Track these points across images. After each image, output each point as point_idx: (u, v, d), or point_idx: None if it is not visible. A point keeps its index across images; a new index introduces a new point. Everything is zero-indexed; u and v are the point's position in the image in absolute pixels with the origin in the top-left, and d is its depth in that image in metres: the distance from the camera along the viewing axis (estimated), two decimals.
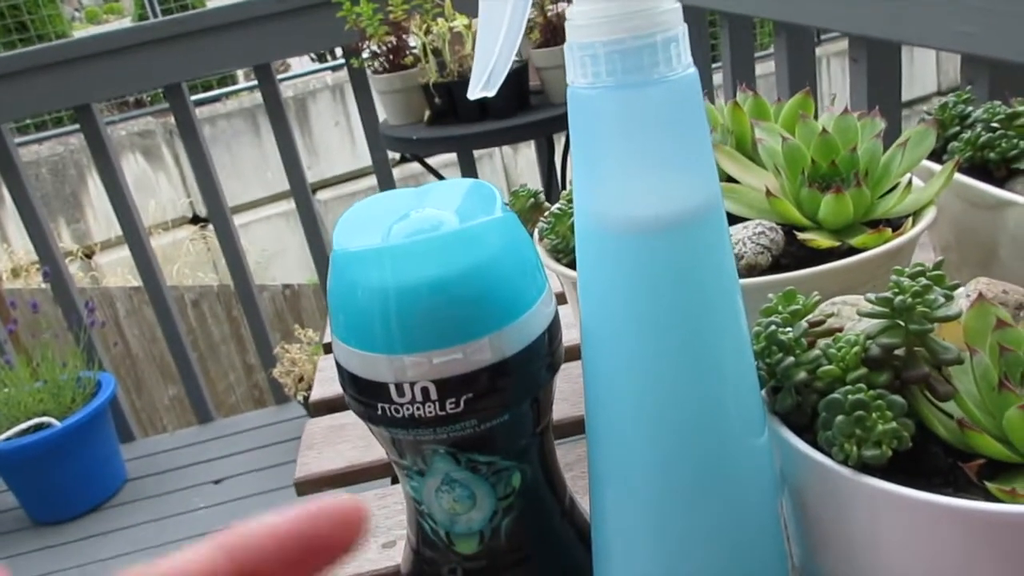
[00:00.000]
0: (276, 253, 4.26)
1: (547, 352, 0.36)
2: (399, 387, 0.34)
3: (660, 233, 0.30)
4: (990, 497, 0.31)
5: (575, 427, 0.56)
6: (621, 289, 0.31)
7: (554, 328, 0.37)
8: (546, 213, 0.54)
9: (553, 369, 0.37)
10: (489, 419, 0.35)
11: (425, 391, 0.33)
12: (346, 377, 0.36)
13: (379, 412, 0.35)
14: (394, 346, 0.33)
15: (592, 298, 0.32)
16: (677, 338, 0.31)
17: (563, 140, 2.00)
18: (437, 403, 0.33)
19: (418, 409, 0.34)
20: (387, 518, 0.49)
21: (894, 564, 0.33)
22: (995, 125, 0.55)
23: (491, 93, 0.36)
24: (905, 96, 1.38)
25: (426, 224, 0.35)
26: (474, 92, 0.35)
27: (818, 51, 4.40)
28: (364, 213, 0.37)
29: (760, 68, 1.80)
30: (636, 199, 0.30)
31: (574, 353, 0.65)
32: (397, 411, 0.34)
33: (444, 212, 0.36)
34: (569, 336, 0.66)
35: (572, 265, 0.53)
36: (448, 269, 0.33)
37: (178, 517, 1.83)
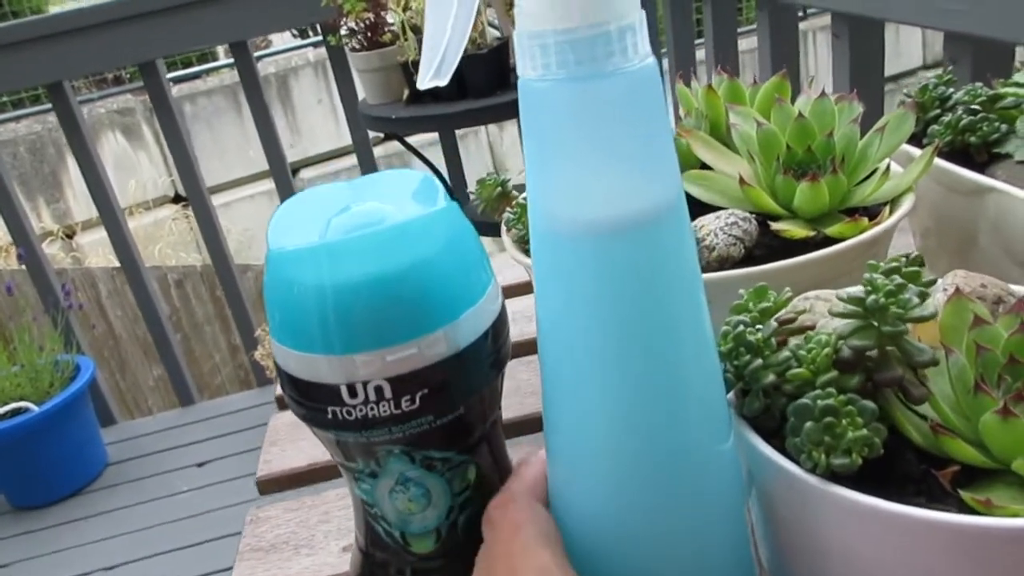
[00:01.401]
0: (259, 233, 4.21)
1: (503, 340, 0.36)
2: (351, 388, 0.32)
3: (618, 235, 0.28)
4: (964, 507, 0.30)
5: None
6: (577, 294, 0.29)
7: (503, 315, 0.36)
8: (513, 203, 0.52)
9: (504, 359, 0.36)
10: (445, 414, 0.34)
11: (379, 390, 0.32)
12: (288, 381, 0.34)
13: (328, 416, 0.33)
14: (344, 345, 0.31)
15: (548, 301, 0.31)
16: (637, 345, 0.29)
17: None
18: (392, 401, 0.32)
19: (371, 409, 0.32)
20: (348, 519, 0.48)
21: (865, 573, 0.32)
22: (976, 108, 0.53)
23: (443, 82, 0.34)
24: (891, 70, 1.36)
25: (369, 217, 0.33)
26: (424, 82, 0.34)
27: (803, 25, 4.37)
28: (297, 210, 0.35)
29: (745, 43, 1.78)
30: (592, 199, 0.28)
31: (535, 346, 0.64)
32: (349, 413, 0.33)
33: (385, 205, 0.34)
34: (532, 328, 0.64)
35: None
36: (397, 262, 0.32)
37: (161, 501, 1.81)
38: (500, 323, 0.36)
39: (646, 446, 0.30)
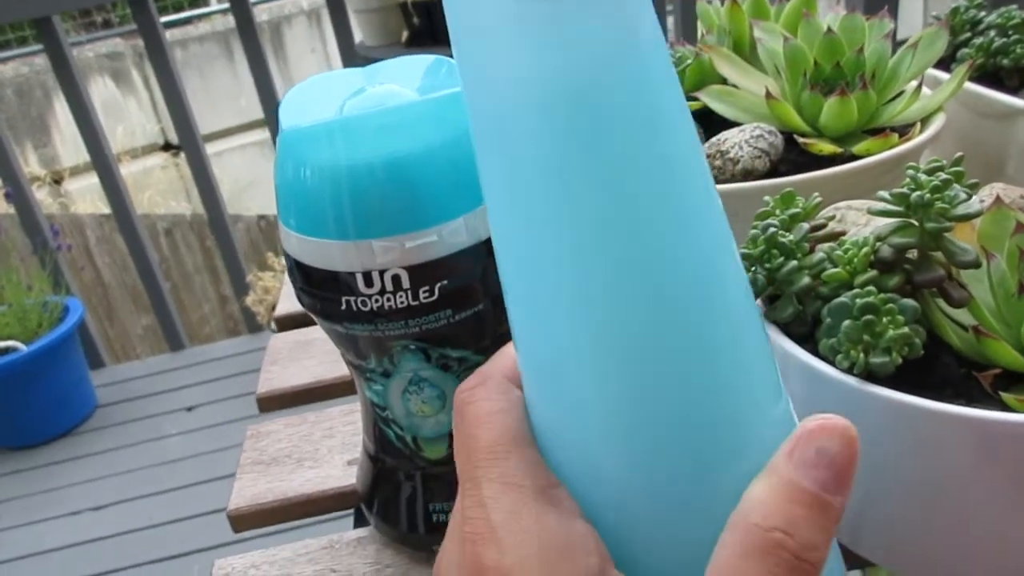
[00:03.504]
0: (251, 183, 4.16)
1: None
2: (367, 276, 0.30)
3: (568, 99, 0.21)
4: (1006, 408, 0.29)
5: None
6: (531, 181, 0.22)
7: None
8: None
9: None
10: (464, 309, 0.32)
11: (396, 279, 0.30)
12: (299, 271, 0.32)
13: (342, 307, 0.31)
14: (361, 230, 0.30)
15: (496, 198, 0.23)
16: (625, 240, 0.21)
17: None
18: (409, 292, 0.30)
19: (388, 300, 0.31)
20: (354, 435, 0.47)
21: (899, 478, 0.31)
22: (1009, 30, 0.51)
23: None
24: None
25: (386, 99, 0.31)
26: None
27: None
28: (310, 92, 0.33)
29: None
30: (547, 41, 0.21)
31: None
32: (364, 304, 0.31)
33: (403, 88, 0.32)
34: None
35: None
36: (417, 142, 0.30)
37: (149, 443, 1.81)
38: None
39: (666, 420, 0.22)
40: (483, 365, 0.26)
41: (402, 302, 0.31)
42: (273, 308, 1.95)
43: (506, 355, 0.26)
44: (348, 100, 0.32)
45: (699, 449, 0.22)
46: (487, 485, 0.22)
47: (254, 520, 0.43)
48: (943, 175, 0.31)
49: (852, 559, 0.35)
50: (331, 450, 0.46)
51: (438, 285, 0.31)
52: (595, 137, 0.21)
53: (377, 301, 0.31)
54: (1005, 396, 0.29)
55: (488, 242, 0.32)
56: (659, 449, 0.22)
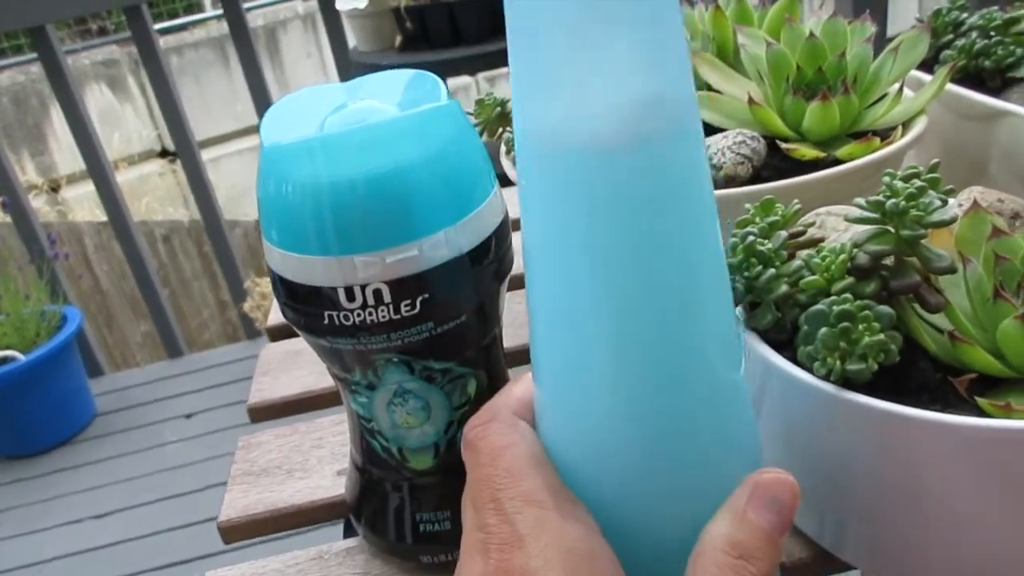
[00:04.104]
0: (248, 188, 4.16)
1: (505, 249, 0.35)
2: (349, 291, 0.31)
3: (626, 151, 0.23)
4: (981, 413, 0.29)
5: None
6: (574, 219, 0.24)
7: (506, 224, 0.35)
8: None
9: (506, 270, 0.35)
10: (446, 321, 0.32)
11: (378, 294, 0.31)
12: (283, 286, 0.33)
13: (325, 322, 0.32)
14: (342, 246, 0.30)
15: (537, 227, 0.25)
16: (642, 280, 0.24)
17: None
18: (391, 306, 0.31)
19: (370, 314, 0.31)
20: (343, 445, 0.47)
21: (877, 484, 0.31)
22: (991, 31, 0.52)
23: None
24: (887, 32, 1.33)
25: (366, 115, 0.32)
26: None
27: None
28: (291, 108, 0.34)
29: None
30: (595, 104, 0.23)
31: None
32: (346, 318, 0.31)
33: (384, 103, 0.33)
34: None
35: None
36: (397, 158, 0.30)
37: (148, 451, 1.81)
38: (503, 232, 0.34)
39: (647, 375, 0.25)
40: (488, 402, 0.29)
41: (384, 316, 0.31)
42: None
43: (510, 394, 0.29)
44: (329, 116, 0.33)
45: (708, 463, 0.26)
46: (509, 503, 0.25)
47: (245, 531, 0.43)
48: (918, 182, 0.32)
49: (838, 564, 0.36)
50: (321, 460, 0.46)
51: (420, 299, 0.31)
52: (656, 184, 0.24)
53: (359, 315, 0.31)
54: (981, 401, 0.29)
55: (469, 254, 0.32)
56: (672, 467, 0.26)
